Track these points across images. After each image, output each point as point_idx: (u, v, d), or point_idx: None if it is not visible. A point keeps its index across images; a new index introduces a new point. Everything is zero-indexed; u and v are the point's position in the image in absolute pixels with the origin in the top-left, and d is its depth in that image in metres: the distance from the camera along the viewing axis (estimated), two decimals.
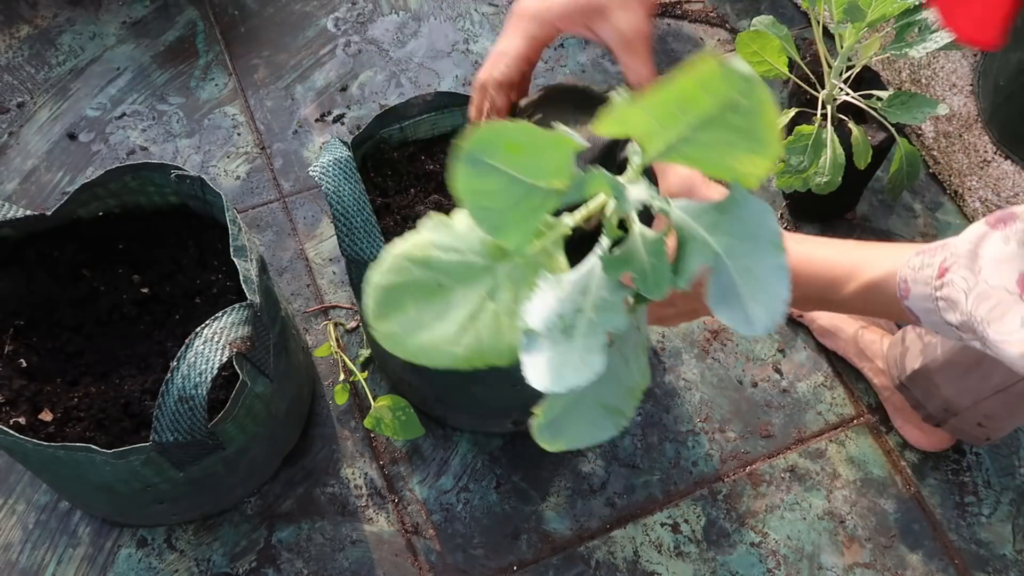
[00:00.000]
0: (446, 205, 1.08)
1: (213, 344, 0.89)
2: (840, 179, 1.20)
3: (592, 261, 0.44)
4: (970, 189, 1.47)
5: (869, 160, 1.21)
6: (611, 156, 0.70)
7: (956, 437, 1.20)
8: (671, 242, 0.43)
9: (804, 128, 1.21)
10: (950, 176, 1.49)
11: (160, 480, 0.99)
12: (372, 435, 1.24)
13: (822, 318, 1.32)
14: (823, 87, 1.26)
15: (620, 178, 0.45)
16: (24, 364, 1.05)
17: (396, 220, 1.07)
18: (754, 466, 1.24)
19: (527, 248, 0.46)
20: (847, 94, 1.25)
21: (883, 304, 0.58)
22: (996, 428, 1.13)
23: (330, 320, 1.32)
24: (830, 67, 1.24)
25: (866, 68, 1.31)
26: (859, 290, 0.58)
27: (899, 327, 1.26)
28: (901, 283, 0.56)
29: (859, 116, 1.27)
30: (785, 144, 1.22)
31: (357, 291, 1.03)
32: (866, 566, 1.18)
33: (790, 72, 1.27)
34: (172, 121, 1.50)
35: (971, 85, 1.60)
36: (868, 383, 1.29)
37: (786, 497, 1.22)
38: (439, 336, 0.45)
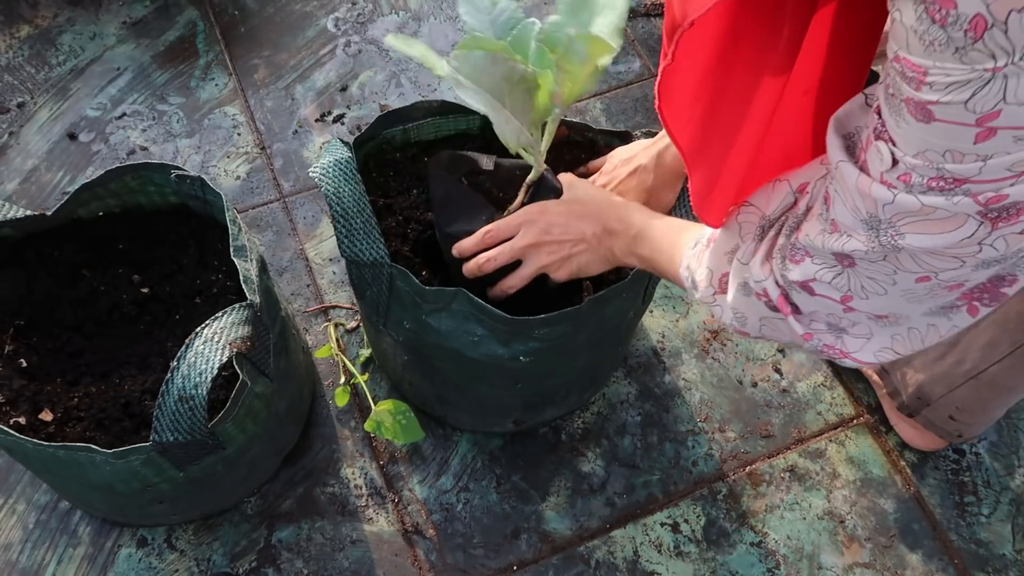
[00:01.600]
0: None
1: (213, 344, 0.89)
2: None
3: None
4: None
5: None
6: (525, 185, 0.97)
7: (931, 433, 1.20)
8: None
9: None
10: None
11: (160, 480, 0.99)
12: (372, 435, 1.24)
13: None
14: None
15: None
16: (24, 364, 1.05)
17: (398, 221, 1.06)
18: (754, 466, 1.24)
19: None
20: None
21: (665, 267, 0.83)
22: (968, 424, 1.15)
23: (330, 321, 1.32)
24: None
25: None
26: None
27: None
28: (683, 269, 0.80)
29: None
30: None
31: (357, 291, 1.03)
32: (866, 566, 1.18)
33: None
34: (172, 121, 1.50)
35: None
36: (868, 383, 1.29)
37: (786, 497, 1.22)
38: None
